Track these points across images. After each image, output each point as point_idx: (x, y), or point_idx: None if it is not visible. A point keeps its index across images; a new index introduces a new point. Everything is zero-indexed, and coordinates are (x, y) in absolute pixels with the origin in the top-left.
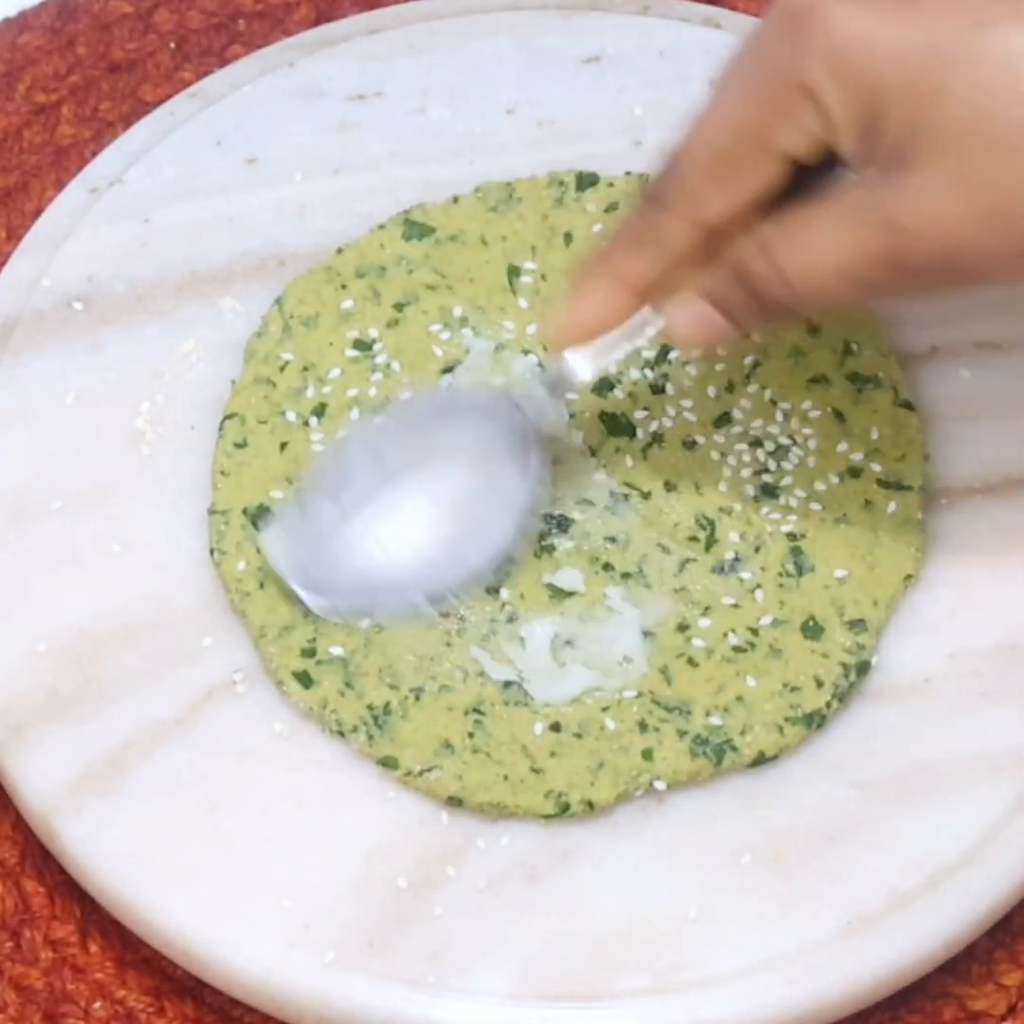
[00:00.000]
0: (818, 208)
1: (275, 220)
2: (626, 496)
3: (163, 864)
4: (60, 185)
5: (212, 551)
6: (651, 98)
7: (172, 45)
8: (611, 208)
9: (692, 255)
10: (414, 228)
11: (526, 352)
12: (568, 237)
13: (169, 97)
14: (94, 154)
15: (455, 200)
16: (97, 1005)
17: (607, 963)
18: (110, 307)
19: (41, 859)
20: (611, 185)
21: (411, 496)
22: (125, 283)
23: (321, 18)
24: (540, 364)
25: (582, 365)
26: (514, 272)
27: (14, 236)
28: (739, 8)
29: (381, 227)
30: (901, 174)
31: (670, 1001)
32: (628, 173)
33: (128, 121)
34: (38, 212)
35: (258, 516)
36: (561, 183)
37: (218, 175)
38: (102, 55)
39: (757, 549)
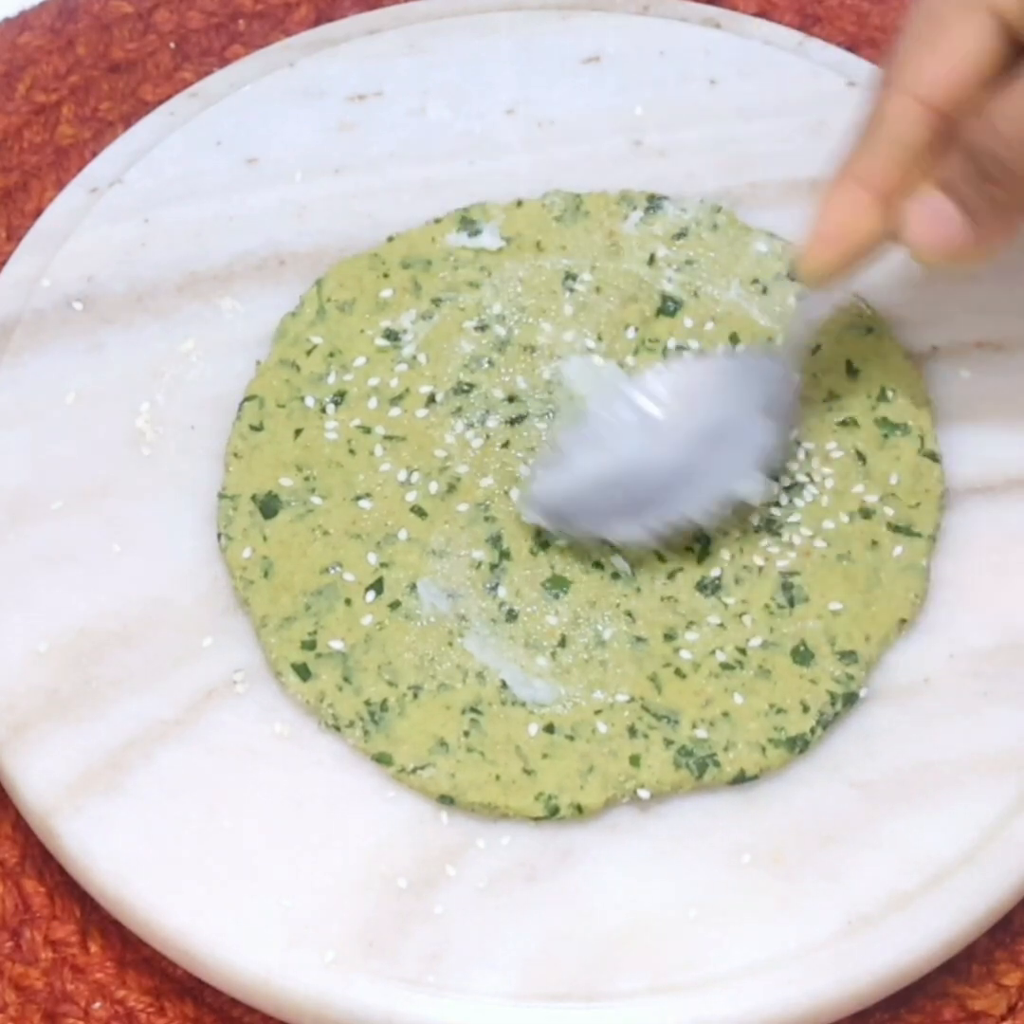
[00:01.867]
0: None
1: (275, 220)
2: None
3: (163, 864)
4: (60, 185)
5: (219, 535)
6: (651, 98)
7: (172, 45)
8: (680, 235)
9: (927, 148)
10: (470, 225)
11: (557, 357)
12: (630, 257)
13: (169, 97)
14: (94, 154)
15: (519, 203)
16: (97, 1005)
17: (607, 963)
18: (110, 307)
19: (41, 859)
20: (683, 210)
21: (661, 439)
22: (125, 283)
23: (321, 18)
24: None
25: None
26: (570, 278)
27: (14, 236)
28: (739, 8)
29: (437, 221)
30: None
31: (670, 1001)
32: (702, 201)
33: (128, 121)
34: (38, 212)
35: (266, 504)
36: (631, 202)
37: (218, 175)
38: (102, 55)
39: (737, 581)
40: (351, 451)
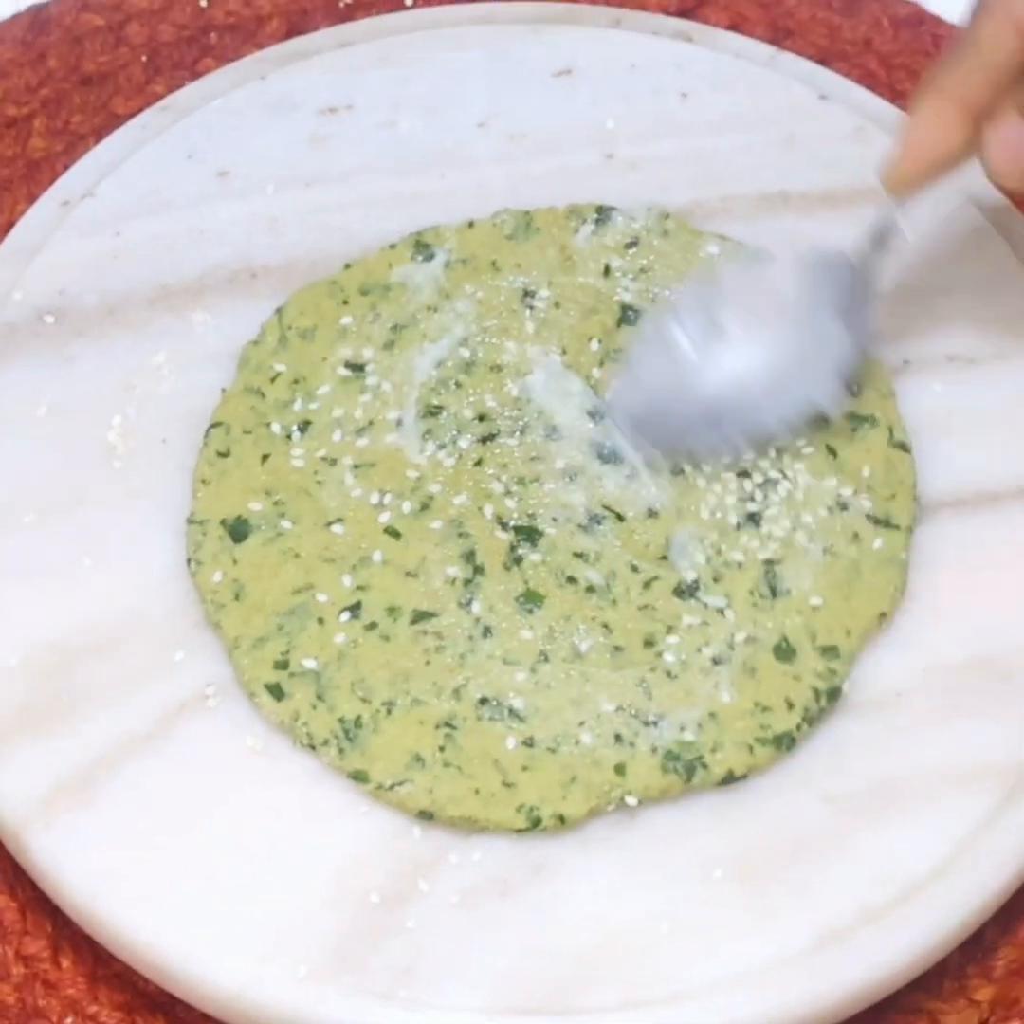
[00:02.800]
0: None
1: (246, 233)
2: (601, 518)
3: (135, 879)
4: (32, 198)
5: (189, 561)
6: (622, 111)
7: (144, 58)
8: (631, 244)
9: (1019, 73)
10: (424, 249)
11: (524, 374)
12: (584, 269)
13: (141, 110)
14: (66, 167)
15: (470, 224)
16: (69, 1020)
17: (579, 978)
18: (82, 320)
19: (12, 874)
20: (632, 219)
21: (737, 348)
22: (97, 296)
23: (292, 31)
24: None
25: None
26: (528, 295)
27: None
28: (710, 21)
29: (392, 246)
30: None
31: (642, 1016)
32: (649, 208)
33: (100, 134)
34: (9, 225)
35: (235, 528)
36: (581, 216)
37: (190, 188)
38: (74, 68)
39: (716, 579)
40: (319, 481)
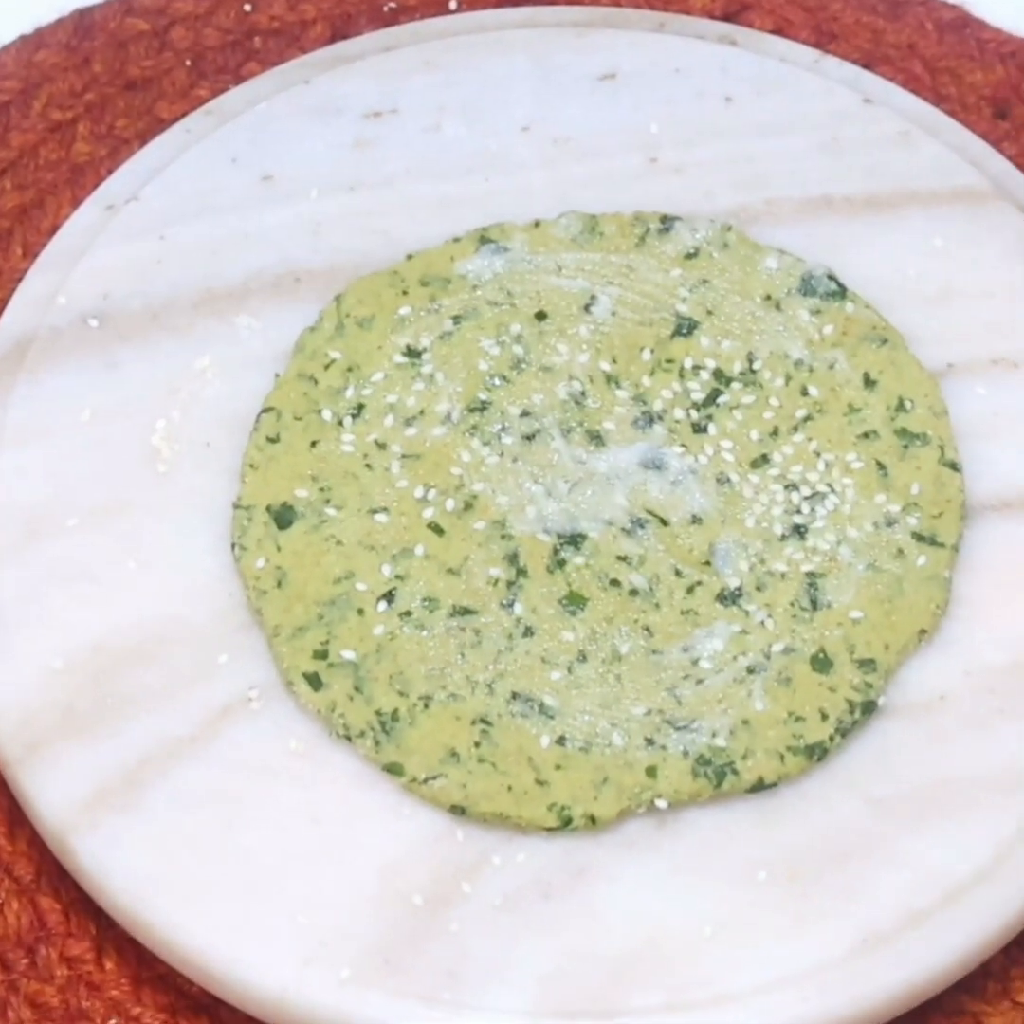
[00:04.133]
0: None
1: (290, 237)
2: (645, 522)
3: (179, 881)
4: (76, 202)
5: (233, 546)
6: (667, 115)
7: (188, 62)
8: (691, 255)
9: None
10: (488, 245)
11: (571, 378)
12: (644, 278)
13: (185, 114)
14: (110, 171)
15: (536, 224)
16: (113, 1022)
17: (622, 980)
18: (126, 324)
19: (57, 876)
20: (695, 230)
21: None
22: (141, 300)
23: (337, 35)
24: (583, 392)
25: None
26: (587, 300)
27: (30, 253)
28: (754, 25)
29: (456, 240)
30: None
31: (685, 1018)
32: (712, 220)
33: (144, 138)
34: (54, 229)
35: (280, 515)
36: (645, 223)
37: (233, 192)
38: (118, 72)
39: (759, 588)
40: (367, 465)
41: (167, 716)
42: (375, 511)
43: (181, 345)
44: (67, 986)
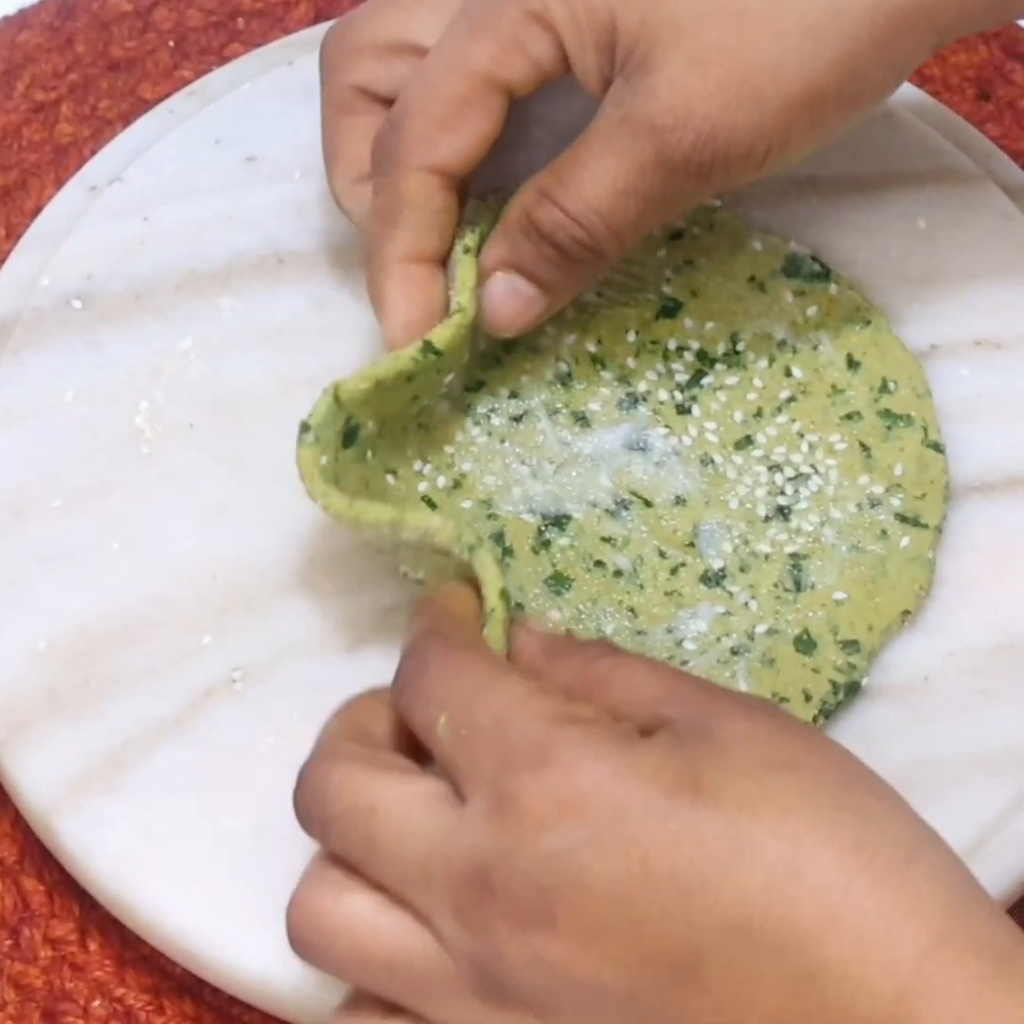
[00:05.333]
0: (580, 143)
1: (274, 218)
2: (629, 503)
3: (162, 863)
4: (59, 183)
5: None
6: None
7: (171, 43)
8: (676, 236)
9: (453, 211)
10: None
11: (557, 360)
12: (628, 258)
13: (168, 95)
14: (93, 152)
15: None
16: (96, 1003)
17: None
18: (109, 305)
19: (40, 857)
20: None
21: None
22: (124, 281)
23: (320, 16)
24: (569, 373)
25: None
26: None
27: (13, 234)
28: None
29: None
30: (645, 77)
31: None
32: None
33: (127, 119)
34: (37, 210)
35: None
36: None
37: (217, 173)
38: (101, 53)
39: (742, 569)
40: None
41: (151, 698)
42: (388, 472)
43: (164, 326)
44: (50, 967)
